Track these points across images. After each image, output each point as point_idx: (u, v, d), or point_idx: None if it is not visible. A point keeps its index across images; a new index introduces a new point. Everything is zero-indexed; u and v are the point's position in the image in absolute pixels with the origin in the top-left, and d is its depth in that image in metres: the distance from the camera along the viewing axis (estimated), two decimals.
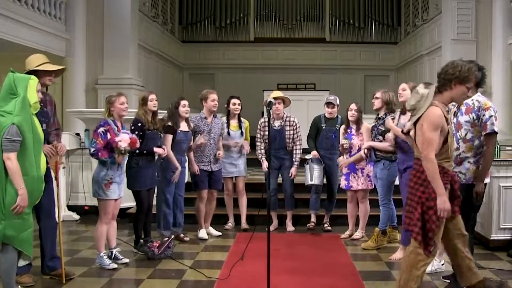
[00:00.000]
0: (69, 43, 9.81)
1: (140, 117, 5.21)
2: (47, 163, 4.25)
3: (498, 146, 5.51)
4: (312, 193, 6.36)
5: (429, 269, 4.61)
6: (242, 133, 6.36)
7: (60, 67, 4.57)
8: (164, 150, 5.31)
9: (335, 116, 6.35)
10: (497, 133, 3.97)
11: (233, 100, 6.36)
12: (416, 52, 13.89)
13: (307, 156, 6.21)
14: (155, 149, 5.21)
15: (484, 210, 5.48)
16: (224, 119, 6.44)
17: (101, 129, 4.63)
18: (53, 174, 4.42)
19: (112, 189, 4.72)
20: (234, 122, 6.38)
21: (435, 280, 4.43)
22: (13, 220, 3.60)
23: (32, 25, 8.64)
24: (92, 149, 4.62)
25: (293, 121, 6.33)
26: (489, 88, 10.05)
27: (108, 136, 4.63)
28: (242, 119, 6.46)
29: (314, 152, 6.21)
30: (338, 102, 6.35)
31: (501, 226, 5.36)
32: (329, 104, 6.31)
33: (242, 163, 6.40)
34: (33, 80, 3.76)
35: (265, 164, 6.25)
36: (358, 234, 5.99)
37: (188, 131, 5.76)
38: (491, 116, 3.93)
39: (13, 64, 9.66)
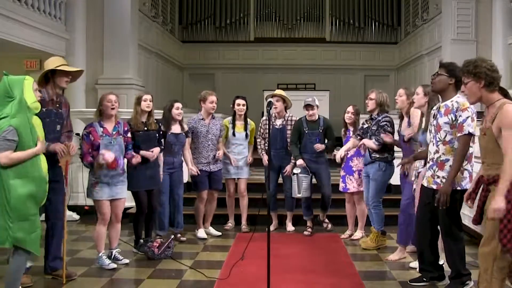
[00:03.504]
0: (69, 43, 9.81)
1: (131, 118, 5.21)
2: (58, 162, 4.28)
3: None
4: (302, 202, 6.19)
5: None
6: (247, 135, 6.34)
7: (78, 69, 4.62)
8: (152, 153, 5.19)
9: (317, 118, 6.13)
10: (473, 135, 3.84)
11: (237, 101, 6.32)
12: (416, 52, 13.88)
13: (294, 170, 5.98)
14: (142, 153, 5.08)
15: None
16: (228, 119, 6.43)
17: (84, 132, 4.69)
18: (63, 173, 4.44)
19: (98, 189, 4.69)
20: (239, 124, 6.34)
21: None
22: (21, 222, 3.60)
23: (32, 25, 8.63)
24: (80, 152, 4.67)
25: (295, 121, 6.29)
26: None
27: (91, 137, 4.64)
28: (248, 120, 6.41)
29: (301, 162, 5.98)
30: (317, 102, 6.13)
31: None
32: (307, 106, 6.05)
33: (244, 164, 6.37)
34: (28, 80, 3.75)
35: (265, 157, 6.21)
36: (358, 234, 5.99)
37: (180, 133, 5.70)
38: (468, 117, 3.80)
39: (12, 64, 9.69)
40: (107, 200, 4.75)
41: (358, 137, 5.59)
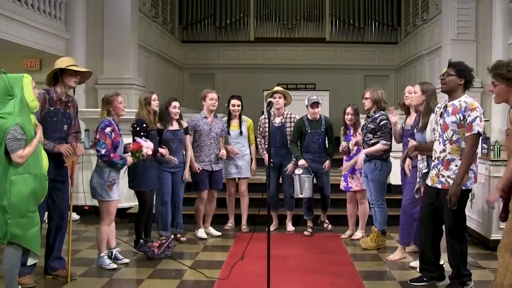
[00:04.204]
0: (69, 43, 9.81)
1: (144, 117, 5.21)
2: (64, 162, 4.29)
3: (498, 146, 5.51)
4: (304, 201, 6.21)
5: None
6: (241, 132, 6.33)
7: (86, 70, 4.63)
8: (166, 150, 5.34)
9: (318, 117, 6.13)
10: (481, 134, 3.88)
11: (232, 101, 6.30)
12: (416, 52, 13.88)
13: (296, 171, 5.98)
14: (160, 150, 5.25)
15: (484, 210, 5.49)
16: (225, 119, 6.43)
17: (108, 129, 4.61)
18: (69, 174, 4.45)
19: (114, 190, 4.73)
20: (234, 122, 6.35)
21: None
22: (19, 219, 3.62)
23: (32, 25, 8.63)
24: (103, 151, 4.54)
25: (294, 118, 6.29)
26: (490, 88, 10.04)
27: (112, 135, 4.64)
28: (244, 117, 6.40)
29: (302, 162, 5.97)
30: (320, 100, 6.15)
31: (501, 226, 5.33)
32: (314, 104, 6.03)
33: (245, 164, 6.37)
34: (27, 78, 3.77)
35: (266, 156, 6.19)
36: (358, 234, 5.99)
37: (178, 130, 5.68)
38: (476, 117, 3.82)
39: (12, 64, 9.67)
40: (117, 200, 4.81)
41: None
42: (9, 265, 3.69)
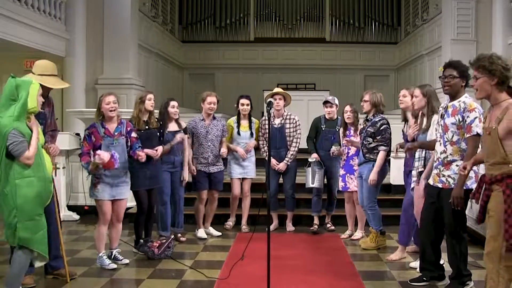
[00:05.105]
0: (69, 43, 9.81)
1: (132, 118, 5.20)
2: None
3: None
4: (314, 195, 6.32)
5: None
6: (252, 134, 6.34)
7: (57, 87, 4.50)
8: (155, 152, 5.12)
9: (335, 117, 6.31)
10: (480, 135, 3.79)
11: (241, 101, 6.30)
12: (416, 52, 13.88)
13: (309, 159, 6.18)
14: (146, 151, 4.96)
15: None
16: (232, 119, 6.43)
17: (85, 132, 4.69)
18: None
19: (100, 189, 4.69)
20: (244, 123, 6.34)
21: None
22: (26, 222, 3.62)
23: (32, 25, 8.63)
24: (80, 152, 4.70)
25: (293, 119, 6.31)
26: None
27: (93, 138, 4.63)
28: (253, 119, 6.42)
29: (315, 155, 6.19)
30: (336, 102, 6.29)
31: None
32: (326, 103, 6.27)
33: (250, 164, 6.37)
34: (35, 85, 3.75)
35: (273, 161, 6.20)
36: (358, 234, 5.99)
37: (178, 131, 5.66)
38: (475, 117, 3.79)
39: (12, 64, 9.65)
40: (108, 201, 4.75)
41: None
42: (18, 268, 3.69)
